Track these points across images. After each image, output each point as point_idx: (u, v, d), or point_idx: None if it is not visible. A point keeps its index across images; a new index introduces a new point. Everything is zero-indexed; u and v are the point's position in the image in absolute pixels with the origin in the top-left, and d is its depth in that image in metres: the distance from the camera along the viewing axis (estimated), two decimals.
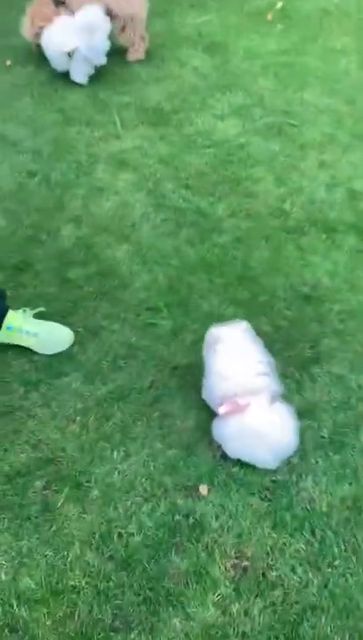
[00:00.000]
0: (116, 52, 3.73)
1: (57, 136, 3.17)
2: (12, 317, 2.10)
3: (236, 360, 1.80)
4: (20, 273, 2.42)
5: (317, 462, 1.83)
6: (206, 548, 1.64)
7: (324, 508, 1.73)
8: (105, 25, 3.45)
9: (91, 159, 3.03)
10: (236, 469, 1.80)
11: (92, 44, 3.42)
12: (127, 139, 3.17)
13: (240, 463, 1.81)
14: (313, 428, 1.91)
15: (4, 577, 1.58)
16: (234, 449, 1.79)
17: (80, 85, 3.56)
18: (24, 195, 2.81)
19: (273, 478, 1.79)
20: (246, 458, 1.78)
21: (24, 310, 2.15)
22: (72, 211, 2.73)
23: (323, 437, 1.89)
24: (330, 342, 2.17)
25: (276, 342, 2.15)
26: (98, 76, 3.62)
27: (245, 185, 2.88)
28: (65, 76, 3.57)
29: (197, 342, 2.13)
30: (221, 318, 2.22)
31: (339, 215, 2.70)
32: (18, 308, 2.17)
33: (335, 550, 1.64)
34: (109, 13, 3.55)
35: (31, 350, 2.12)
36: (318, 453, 1.85)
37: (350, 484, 1.78)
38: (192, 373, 2.04)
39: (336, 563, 1.62)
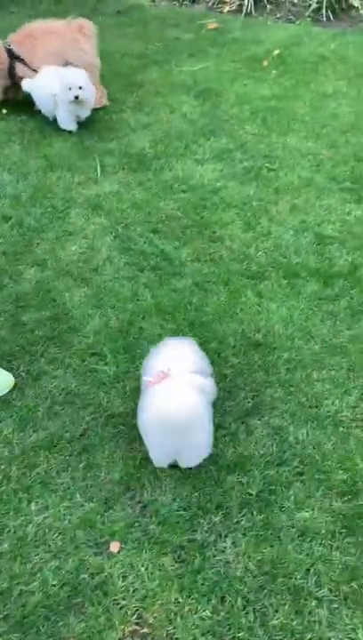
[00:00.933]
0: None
1: (38, 181, 3.25)
2: None
3: (172, 358, 1.80)
4: None
5: (239, 522, 1.73)
6: (107, 611, 1.56)
7: (238, 573, 1.62)
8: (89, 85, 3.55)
9: (67, 204, 3.08)
10: (153, 527, 1.72)
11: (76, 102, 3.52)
12: (105, 184, 3.22)
13: (160, 519, 1.74)
14: (241, 484, 1.81)
15: None
16: (140, 421, 1.80)
17: (70, 132, 3.66)
18: None
19: (191, 537, 1.70)
20: (142, 431, 1.81)
21: None
22: (39, 255, 2.77)
23: (250, 495, 1.79)
24: (273, 392, 2.08)
25: (218, 391, 2.08)
26: (87, 123, 3.73)
27: (212, 229, 2.86)
28: (55, 122, 3.69)
29: (138, 389, 2.10)
30: None
31: (303, 260, 2.64)
32: None
33: (243, 621, 1.53)
34: (66, 63, 3.69)
35: None
36: (242, 512, 1.75)
37: (272, 546, 1.67)
38: (127, 422, 2.00)
39: (241, 635, 1.50)
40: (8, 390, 2.13)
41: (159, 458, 1.84)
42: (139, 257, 2.72)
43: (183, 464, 1.83)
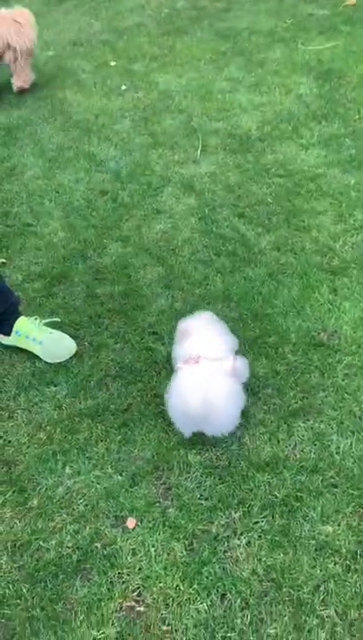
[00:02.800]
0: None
1: (139, 158, 3.32)
2: (22, 323, 2.26)
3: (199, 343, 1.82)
4: (56, 284, 2.59)
5: (258, 522, 1.68)
6: (110, 582, 1.60)
7: (245, 574, 1.58)
8: None
9: (162, 182, 3.12)
10: (171, 510, 1.73)
11: None
12: (203, 164, 3.21)
13: (180, 504, 1.74)
14: (269, 485, 1.75)
15: None
16: (169, 401, 1.83)
17: (180, 111, 3.68)
18: (89, 212, 2.98)
19: (206, 528, 1.68)
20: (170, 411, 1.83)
21: (35, 318, 2.30)
22: (124, 231, 2.84)
23: (275, 497, 1.72)
24: (325, 397, 1.97)
25: (266, 387, 2.02)
26: (197, 101, 3.72)
27: (301, 218, 2.74)
28: (173, 100, 3.72)
29: None
30: None
31: None
32: (41, 316, 2.33)
33: (238, 622, 1.49)
34: (8, 45, 3.87)
35: (37, 356, 2.26)
36: (263, 513, 1.70)
37: (286, 554, 1.61)
38: None
39: (232, 636, 1.47)
40: (69, 357, 2.24)
41: (183, 430, 1.85)
42: (218, 240, 2.69)
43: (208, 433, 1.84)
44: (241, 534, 1.66)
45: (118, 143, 3.47)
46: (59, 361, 2.23)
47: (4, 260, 2.75)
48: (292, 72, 3.99)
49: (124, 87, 4.03)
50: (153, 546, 1.66)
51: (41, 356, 2.25)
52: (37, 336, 2.25)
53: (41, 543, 1.70)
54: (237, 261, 2.57)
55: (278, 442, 1.87)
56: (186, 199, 2.99)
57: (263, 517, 1.69)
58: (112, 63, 4.40)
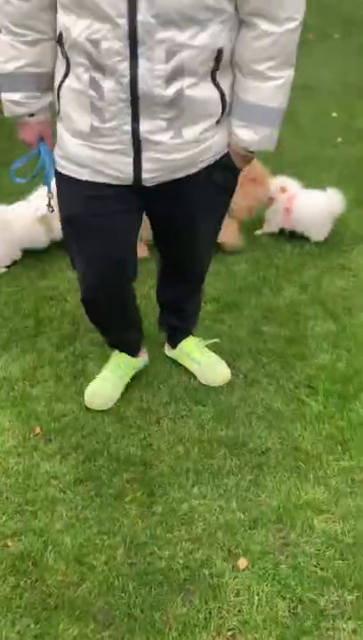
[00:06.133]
0: None
1: None
2: (188, 342, 2.38)
3: None
4: (227, 310, 2.70)
5: None
6: (209, 613, 1.62)
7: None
8: None
9: (356, 239, 3.11)
10: (284, 567, 1.72)
11: None
12: None
13: (294, 564, 1.72)
14: None
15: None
16: None
17: None
18: (275, 252, 3.07)
19: (315, 598, 1.64)
20: None
21: (200, 340, 2.41)
22: (304, 278, 2.88)
23: None
24: None
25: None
26: None
27: None
28: None
29: (329, 439, 2.07)
30: None
31: None
32: (205, 338, 2.44)
33: None
34: None
35: (194, 375, 2.37)
36: None
37: None
38: (309, 461, 2.00)
39: None
40: (222, 383, 2.31)
41: None
42: None
43: None
44: (349, 619, 1.61)
45: None
46: (212, 385, 2.32)
47: None
48: None
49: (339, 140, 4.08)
50: (258, 594, 1.67)
51: (197, 376, 2.36)
52: (197, 356, 2.36)
53: (156, 549, 1.78)
54: None
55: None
56: None
57: None
58: (334, 114, 4.47)
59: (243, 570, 1.73)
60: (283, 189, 3.05)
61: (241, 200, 2.77)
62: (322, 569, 1.72)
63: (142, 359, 2.37)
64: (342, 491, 1.92)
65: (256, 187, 2.95)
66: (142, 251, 2.77)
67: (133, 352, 2.32)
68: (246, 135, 1.72)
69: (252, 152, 1.79)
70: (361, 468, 1.98)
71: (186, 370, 2.38)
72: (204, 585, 1.69)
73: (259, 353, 2.47)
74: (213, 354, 2.38)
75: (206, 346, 2.41)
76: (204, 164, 1.75)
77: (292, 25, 1.57)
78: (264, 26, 1.55)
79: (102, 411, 2.20)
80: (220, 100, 1.65)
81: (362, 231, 3.15)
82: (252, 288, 2.84)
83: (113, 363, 2.30)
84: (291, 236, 3.12)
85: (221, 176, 1.81)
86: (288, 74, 1.65)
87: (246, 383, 2.33)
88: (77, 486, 1.95)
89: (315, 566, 1.73)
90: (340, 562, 1.73)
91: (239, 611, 1.64)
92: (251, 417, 2.19)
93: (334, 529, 1.82)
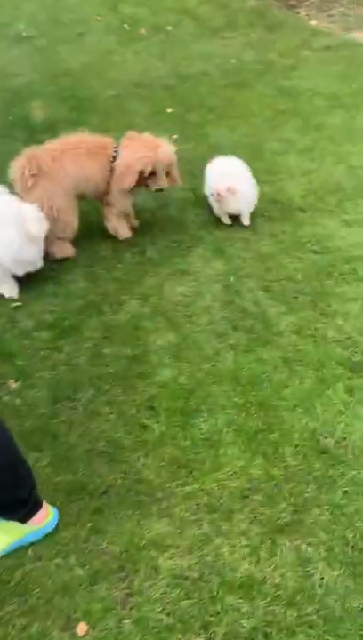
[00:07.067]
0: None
1: (177, 214, 3.24)
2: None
3: None
4: (65, 336, 2.50)
5: None
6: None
7: None
8: None
9: (193, 242, 3.01)
10: (127, 622, 1.57)
11: None
12: (238, 228, 3.10)
13: (137, 617, 1.58)
14: (238, 611, 1.58)
15: None
16: None
17: None
18: (114, 263, 2.92)
19: None
20: None
21: None
22: (146, 288, 2.75)
23: (242, 627, 1.54)
24: (319, 515, 1.79)
25: (257, 492, 1.86)
26: (248, 162, 3.64)
27: (328, 302, 2.58)
28: None
29: (176, 460, 1.97)
30: (215, 444, 2.01)
31: None
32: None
33: None
34: None
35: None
36: None
37: None
38: (152, 494, 1.88)
39: None
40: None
41: None
42: (238, 313, 2.56)
43: None
44: None
45: (156, 195, 3.42)
46: None
47: (19, 304, 2.70)
48: (347, 140, 3.87)
49: (174, 137, 4.00)
50: None
51: None
52: None
53: None
54: (252, 339, 2.43)
55: (259, 560, 1.70)
56: (214, 262, 2.88)
57: None
58: (169, 110, 4.39)
59: (83, 636, 1.56)
60: None
61: None
62: (168, 614, 1.60)
63: None
64: (186, 520, 1.81)
65: None
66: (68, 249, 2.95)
67: None
68: None
69: None
70: (205, 491, 1.88)
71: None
72: None
73: (99, 379, 2.31)
74: None
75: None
76: None
77: None
78: None
79: None
80: None
81: (200, 233, 3.07)
82: (91, 307, 2.67)
83: None
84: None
85: None
86: None
87: (86, 416, 2.16)
88: None
89: (160, 612, 1.60)
90: (186, 601, 1.62)
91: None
92: (90, 454, 2.02)
93: (179, 565, 1.70)
